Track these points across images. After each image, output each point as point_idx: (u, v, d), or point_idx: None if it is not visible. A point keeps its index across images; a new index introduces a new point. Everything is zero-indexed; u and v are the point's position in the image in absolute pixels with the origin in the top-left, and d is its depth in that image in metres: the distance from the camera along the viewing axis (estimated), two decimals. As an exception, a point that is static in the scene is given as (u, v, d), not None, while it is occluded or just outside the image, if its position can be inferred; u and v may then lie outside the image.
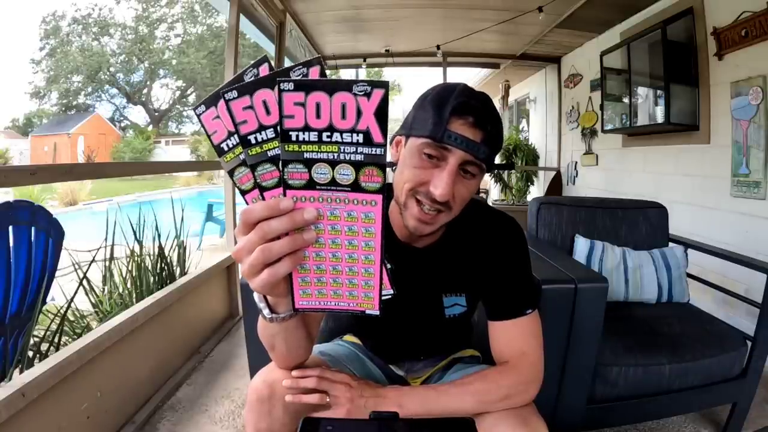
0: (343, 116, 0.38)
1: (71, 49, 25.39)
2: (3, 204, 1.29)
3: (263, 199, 0.43)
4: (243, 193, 0.44)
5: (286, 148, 0.39)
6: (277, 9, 3.08)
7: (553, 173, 4.72)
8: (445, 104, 0.64)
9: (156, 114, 28.30)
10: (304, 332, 0.66)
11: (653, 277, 1.53)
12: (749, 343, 1.30)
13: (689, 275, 1.61)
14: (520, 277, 0.78)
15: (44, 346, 1.43)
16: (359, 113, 0.38)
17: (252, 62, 0.43)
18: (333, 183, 0.41)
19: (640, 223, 1.66)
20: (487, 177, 5.52)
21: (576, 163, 4.30)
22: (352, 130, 0.39)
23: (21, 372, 1.15)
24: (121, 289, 1.94)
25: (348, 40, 4.30)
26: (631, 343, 1.25)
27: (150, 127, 27.26)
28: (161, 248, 2.05)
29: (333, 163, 0.40)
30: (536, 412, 0.71)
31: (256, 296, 0.56)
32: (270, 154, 0.42)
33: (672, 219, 1.72)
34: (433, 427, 0.74)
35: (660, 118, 2.72)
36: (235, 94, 0.40)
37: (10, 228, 1.26)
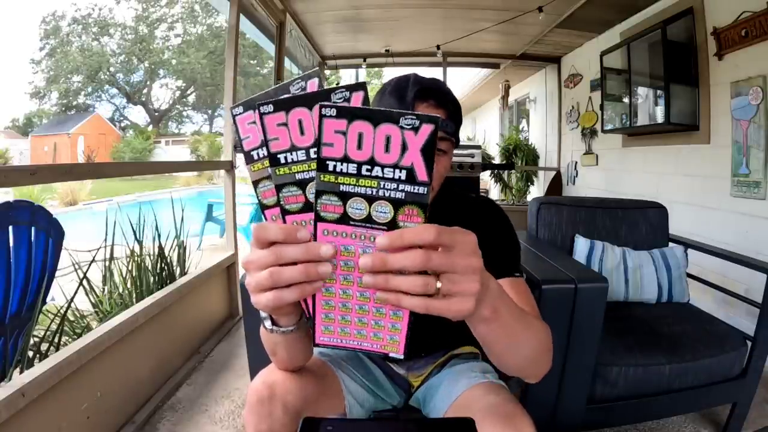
0: (387, 150, 0.35)
1: (71, 49, 25.40)
2: (3, 204, 1.29)
3: (284, 221, 0.41)
4: (263, 207, 0.43)
5: (322, 178, 0.36)
6: (277, 9, 3.08)
7: (553, 173, 4.72)
8: (405, 94, 0.69)
9: (156, 114, 28.30)
10: (306, 340, 0.66)
11: (653, 277, 1.53)
12: (749, 343, 1.31)
13: (689, 275, 1.61)
14: (506, 241, 0.79)
15: (44, 346, 1.43)
16: (404, 148, 0.35)
17: (302, 74, 0.41)
18: (368, 220, 0.37)
19: (640, 223, 1.67)
20: (487, 177, 5.52)
21: (576, 163, 4.30)
22: (395, 166, 0.36)
23: (21, 372, 1.15)
24: (121, 289, 1.94)
25: (348, 40, 4.30)
26: (631, 343, 1.25)
27: (150, 127, 27.27)
28: (161, 248, 2.05)
29: (371, 199, 0.37)
30: (522, 410, 0.70)
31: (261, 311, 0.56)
32: (298, 177, 0.40)
33: (672, 219, 1.72)
34: (433, 427, 0.74)
35: (660, 118, 2.72)
36: (270, 108, 0.38)
37: (10, 228, 1.26)
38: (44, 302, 1.39)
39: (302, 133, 0.39)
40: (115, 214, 2.05)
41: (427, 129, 0.35)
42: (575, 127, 4.25)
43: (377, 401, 0.90)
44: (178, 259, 2.17)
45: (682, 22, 2.54)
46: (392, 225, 0.37)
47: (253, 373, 1.02)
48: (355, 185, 0.36)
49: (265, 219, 0.43)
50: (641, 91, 2.99)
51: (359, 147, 0.35)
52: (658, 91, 2.75)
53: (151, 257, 2.02)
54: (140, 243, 2.02)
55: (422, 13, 3.45)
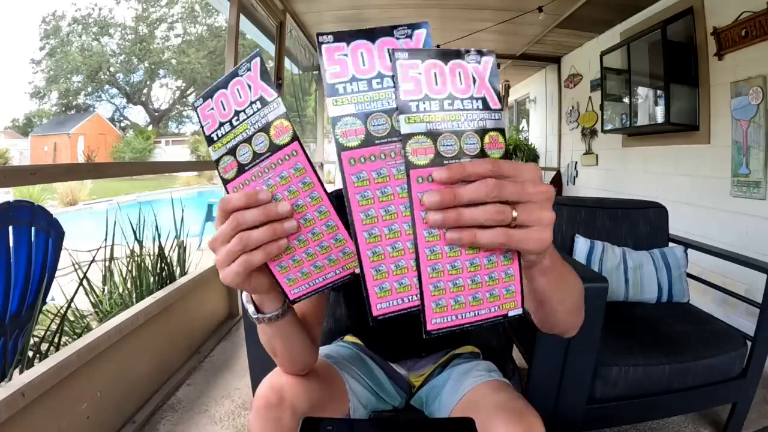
0: (461, 83, 0.36)
1: (71, 49, 25.41)
2: (3, 204, 1.29)
3: (226, 191, 0.44)
4: (225, 182, 0.45)
5: (407, 121, 0.35)
6: (277, 9, 3.09)
7: (553, 173, 4.72)
8: None
9: (156, 114, 28.30)
10: (302, 335, 0.66)
11: (653, 277, 1.53)
12: (749, 343, 1.30)
13: (689, 275, 1.61)
14: None
15: (44, 346, 1.43)
16: (474, 80, 0.37)
17: (247, 58, 0.44)
18: (460, 155, 0.36)
19: (640, 223, 1.67)
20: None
21: (576, 163, 4.30)
22: (471, 97, 0.37)
23: (21, 372, 1.15)
24: (121, 289, 1.94)
25: (348, 40, 4.31)
26: (631, 343, 1.25)
27: (150, 127, 27.27)
28: (161, 248, 2.05)
29: (459, 134, 0.36)
30: (530, 406, 0.70)
31: (243, 297, 0.56)
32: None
33: (672, 219, 1.72)
34: (433, 428, 0.74)
35: (660, 118, 2.72)
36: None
37: (10, 228, 1.26)
38: (44, 302, 1.39)
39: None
40: (115, 214, 2.05)
41: (488, 60, 0.37)
42: (575, 127, 4.25)
43: (379, 402, 0.90)
44: (178, 259, 2.17)
45: (682, 22, 2.54)
46: (482, 155, 0.36)
47: (253, 373, 1.02)
48: (441, 122, 0.36)
49: (227, 193, 0.45)
50: (641, 91, 2.99)
51: (436, 83, 0.36)
52: (658, 91, 2.75)
53: (151, 257, 2.02)
54: (140, 243, 2.02)
55: (422, 13, 3.45)
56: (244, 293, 0.55)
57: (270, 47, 3.37)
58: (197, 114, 0.45)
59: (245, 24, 2.83)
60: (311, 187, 0.42)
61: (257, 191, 0.42)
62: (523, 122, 6.68)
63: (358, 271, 0.40)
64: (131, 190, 11.92)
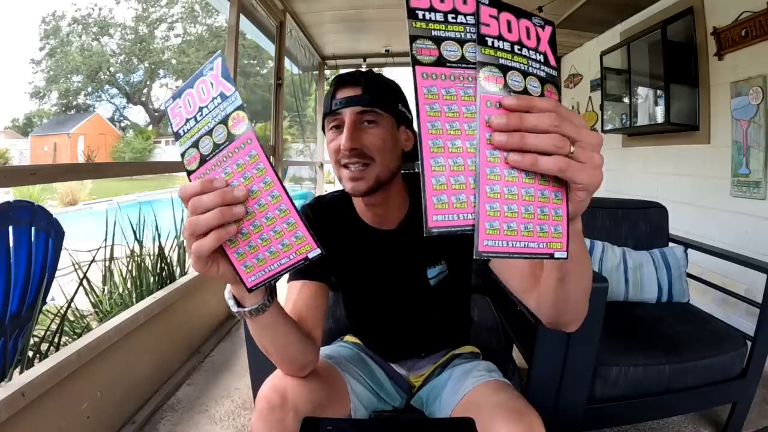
0: (528, 36, 0.41)
1: (71, 49, 25.41)
2: (3, 204, 1.29)
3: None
4: (189, 173, 0.48)
5: (483, 51, 0.39)
6: (277, 9, 3.09)
7: (553, 173, 4.72)
8: (330, 85, 0.77)
9: (156, 114, 28.30)
10: (294, 334, 0.65)
11: (653, 277, 1.53)
12: (749, 343, 1.30)
13: (689, 275, 1.61)
14: None
15: (44, 346, 1.43)
16: (538, 39, 0.42)
17: (211, 59, 0.47)
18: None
19: (640, 223, 1.66)
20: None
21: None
22: (536, 50, 0.41)
23: (21, 372, 1.15)
24: (121, 289, 1.94)
25: (348, 40, 4.31)
26: (631, 343, 1.25)
27: (150, 127, 27.27)
28: (161, 248, 2.05)
29: (524, 74, 0.40)
30: (531, 407, 0.71)
31: (225, 293, 0.58)
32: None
33: (672, 219, 1.72)
34: (432, 427, 0.74)
35: (660, 118, 2.72)
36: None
37: (10, 228, 1.26)
38: (44, 302, 1.39)
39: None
40: (115, 214, 2.06)
41: (548, 28, 0.42)
42: (575, 127, 4.25)
43: (379, 402, 0.90)
44: (178, 259, 2.17)
45: (682, 22, 2.54)
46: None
47: (254, 374, 1.02)
48: (511, 60, 0.40)
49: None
50: (641, 91, 2.99)
51: (509, 30, 0.40)
52: (658, 91, 2.75)
53: (151, 257, 2.02)
54: (140, 243, 2.02)
55: (422, 13, 3.45)
56: (226, 290, 0.57)
57: (270, 47, 3.37)
58: (167, 113, 0.49)
59: (245, 24, 2.83)
60: (264, 173, 0.45)
61: (213, 179, 0.45)
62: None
63: (311, 255, 0.45)
64: (131, 190, 11.92)
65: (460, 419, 0.71)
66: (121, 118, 28.29)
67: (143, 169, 2.33)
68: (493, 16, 0.40)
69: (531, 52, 0.41)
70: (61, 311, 1.52)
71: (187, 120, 0.48)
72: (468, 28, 0.40)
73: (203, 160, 0.47)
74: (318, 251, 0.46)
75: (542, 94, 0.40)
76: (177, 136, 0.48)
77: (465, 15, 0.40)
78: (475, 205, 0.38)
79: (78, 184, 9.72)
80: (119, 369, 1.41)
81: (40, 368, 1.08)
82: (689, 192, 2.62)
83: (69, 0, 26.56)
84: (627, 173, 3.40)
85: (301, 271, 0.78)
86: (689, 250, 1.62)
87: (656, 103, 2.80)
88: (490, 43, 0.39)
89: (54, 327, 1.48)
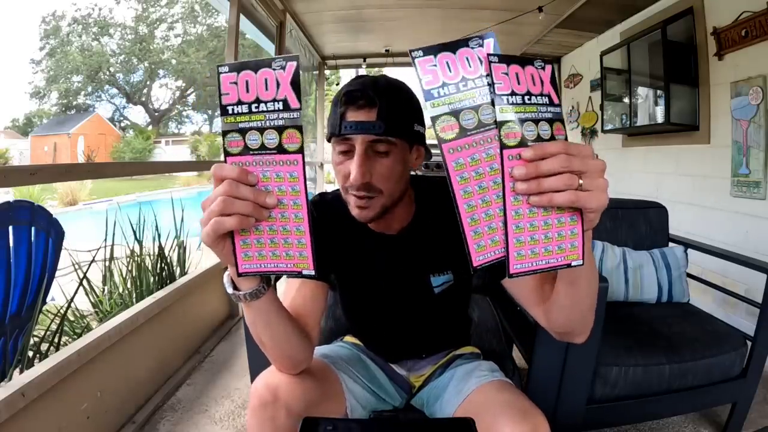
0: (534, 83, 0.45)
1: (71, 49, 25.41)
2: (3, 204, 1.29)
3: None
4: (227, 154, 0.49)
5: (501, 111, 0.44)
6: (277, 9, 3.09)
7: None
8: (339, 99, 0.69)
9: (156, 114, 28.31)
10: (288, 326, 0.66)
11: (653, 277, 1.53)
12: (749, 343, 1.30)
13: (689, 275, 1.61)
14: None
15: (44, 346, 1.43)
16: (542, 82, 0.46)
17: (284, 55, 0.48)
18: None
19: (640, 223, 1.66)
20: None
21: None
22: (541, 93, 0.46)
23: (21, 372, 1.15)
24: (121, 289, 1.94)
25: (348, 40, 4.30)
26: (631, 343, 1.25)
27: (150, 127, 27.27)
28: (161, 248, 2.05)
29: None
30: (535, 406, 0.71)
31: (225, 278, 0.59)
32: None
33: (672, 219, 1.72)
34: (433, 427, 0.74)
35: (660, 118, 2.72)
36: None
37: (10, 228, 1.26)
38: (44, 302, 1.39)
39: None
40: (115, 214, 2.06)
41: (548, 68, 0.46)
42: (575, 127, 4.25)
43: (378, 402, 0.90)
44: (178, 259, 2.17)
45: (682, 22, 2.54)
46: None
47: (254, 374, 1.02)
48: (524, 112, 0.45)
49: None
50: (641, 91, 2.99)
51: (518, 83, 0.45)
52: (658, 91, 2.75)
53: (151, 257, 2.02)
54: (140, 243, 2.02)
55: (421, 12, 3.45)
56: (225, 275, 0.59)
57: (270, 47, 3.37)
58: (218, 79, 0.47)
59: (245, 24, 2.83)
60: (298, 194, 0.48)
61: (249, 173, 0.48)
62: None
63: (305, 272, 0.49)
64: (131, 190, 11.91)
65: (460, 419, 0.71)
66: (121, 118, 28.30)
67: (143, 169, 2.33)
68: (504, 73, 0.44)
69: (538, 98, 0.45)
70: (61, 311, 1.52)
71: (240, 102, 0.47)
72: (478, 91, 0.45)
73: (246, 151, 0.48)
74: (312, 272, 0.50)
75: (552, 135, 0.45)
76: (224, 111, 0.47)
77: (473, 79, 0.45)
78: (506, 241, 0.45)
79: (78, 184, 9.72)
80: (119, 369, 1.41)
81: (40, 368, 1.08)
82: (689, 192, 2.62)
83: (69, 0, 26.58)
84: (627, 173, 3.41)
85: None
86: (689, 250, 1.62)
87: (656, 103, 2.80)
88: (505, 101, 0.44)
89: (54, 327, 1.48)
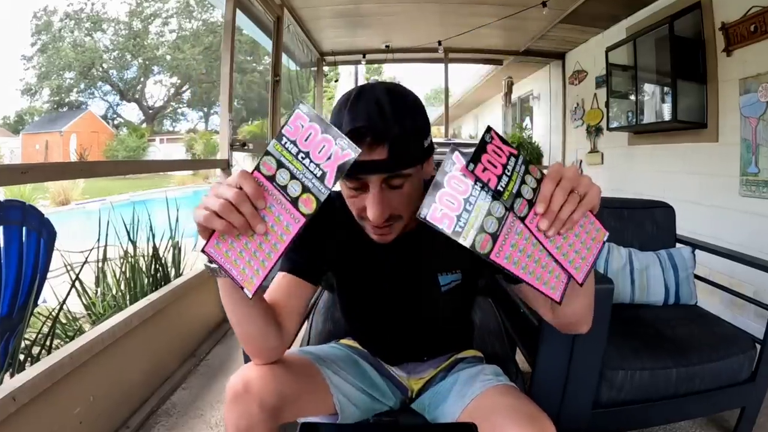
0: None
1: (63, 45, 25.40)
2: (-7, 203, 1.29)
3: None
4: (255, 169, 0.55)
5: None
6: (274, 4, 3.09)
7: (558, 172, 4.72)
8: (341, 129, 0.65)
9: (150, 111, 28.30)
10: (256, 306, 0.68)
11: (660, 279, 1.53)
12: (758, 346, 1.30)
13: (697, 276, 1.61)
14: None
15: (36, 350, 1.43)
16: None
17: (350, 142, 0.54)
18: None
19: (647, 224, 1.66)
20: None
21: (581, 161, 4.30)
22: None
23: (12, 376, 1.15)
24: (114, 291, 1.94)
25: (347, 35, 4.31)
26: (637, 346, 1.25)
27: (144, 125, 27.26)
28: (155, 249, 2.05)
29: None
30: (542, 411, 0.72)
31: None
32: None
33: (679, 219, 1.72)
34: (433, 433, 0.74)
35: (667, 115, 2.72)
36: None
37: (1, 228, 1.26)
38: (36, 304, 1.39)
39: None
40: (108, 214, 2.05)
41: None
42: (580, 124, 4.25)
43: (374, 402, 0.90)
44: (172, 260, 2.17)
45: (689, 17, 2.54)
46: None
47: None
48: (519, 184, 0.54)
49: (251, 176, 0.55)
50: (648, 87, 2.99)
51: (495, 166, 0.53)
52: (665, 88, 2.75)
53: (145, 258, 2.02)
54: (134, 244, 2.02)
55: (421, 7, 3.45)
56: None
57: (267, 43, 3.37)
58: (293, 111, 0.55)
59: (242, 19, 2.83)
60: (282, 241, 0.55)
61: (262, 199, 0.54)
62: (527, 119, 6.68)
63: (246, 290, 0.55)
64: (125, 190, 11.91)
65: (462, 424, 0.71)
66: (115, 116, 28.26)
67: (137, 168, 2.33)
68: (484, 169, 0.52)
69: (511, 163, 0.54)
70: (53, 313, 1.52)
71: (295, 144, 0.54)
72: (481, 199, 0.53)
73: (271, 179, 0.54)
74: (249, 294, 0.55)
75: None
76: (279, 137, 0.54)
77: (470, 195, 0.54)
78: (562, 268, 0.57)
79: (70, 183, 9.72)
80: (112, 372, 1.41)
81: (31, 372, 1.08)
82: (697, 191, 2.62)
83: (61, -6, 26.57)
84: (633, 172, 3.41)
85: (293, 265, 0.79)
86: (697, 251, 1.62)
87: (663, 100, 2.80)
88: (501, 188, 0.53)
89: (46, 330, 1.48)
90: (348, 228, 0.80)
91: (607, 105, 3.56)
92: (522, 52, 4.57)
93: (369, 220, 0.69)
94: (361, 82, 6.10)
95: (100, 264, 1.93)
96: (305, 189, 0.54)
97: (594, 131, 4.00)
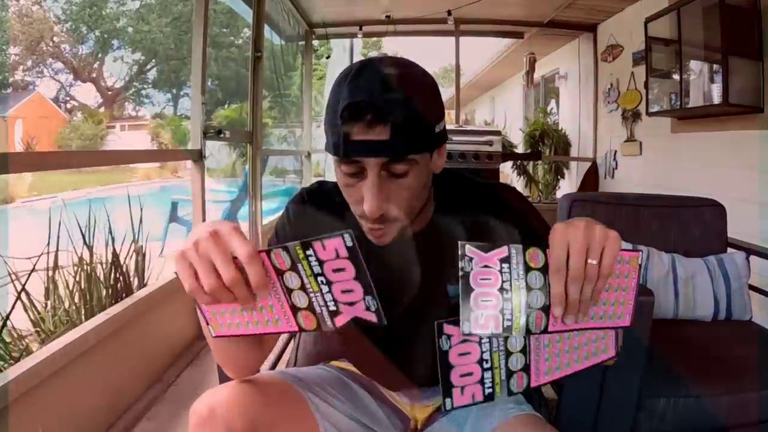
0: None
1: (6, 16, 25.44)
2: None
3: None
4: (268, 254, 0.55)
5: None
6: (255, -34, 3.09)
7: (588, 164, 4.73)
8: (337, 110, 0.64)
9: (109, 93, 28.33)
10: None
11: (708, 290, 1.53)
12: (824, 370, 1.30)
13: (751, 287, 1.61)
14: (540, 231, 0.75)
15: (-26, 373, 1.43)
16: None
17: (374, 296, 0.56)
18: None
19: (693, 225, 1.67)
20: (508, 169, 5.53)
21: (615, 152, 4.30)
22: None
23: (-54, 404, 1.15)
24: (67, 304, 1.94)
25: (340, 3, 4.31)
26: (681, 370, 1.25)
27: (102, 109, 27.30)
28: (116, 255, 2.05)
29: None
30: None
31: None
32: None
33: (731, 220, 1.72)
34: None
35: (716, 97, 2.72)
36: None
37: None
38: (-26, 320, 1.39)
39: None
40: (60, 214, 2.05)
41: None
42: (614, 108, 4.25)
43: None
44: (135, 267, 2.17)
45: (743, -18, 2.54)
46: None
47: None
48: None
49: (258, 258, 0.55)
50: (694, 65, 2.99)
51: (490, 279, 0.55)
52: (715, 66, 2.75)
53: (104, 266, 2.02)
54: (90, 248, 2.02)
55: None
56: None
57: (247, 12, 3.38)
58: (336, 236, 0.54)
59: (217, -15, 2.83)
60: (277, 326, 0.58)
61: (265, 290, 0.54)
62: (552, 103, 6.69)
63: (210, 330, 0.60)
64: (80, 185, 11.93)
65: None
66: (68, 98, 28.28)
67: (94, 160, 2.33)
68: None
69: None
70: (-5, 331, 1.52)
71: (320, 263, 0.54)
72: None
73: (279, 274, 0.55)
74: (212, 333, 0.60)
75: (543, 266, 0.54)
76: (306, 246, 0.54)
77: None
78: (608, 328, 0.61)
79: (15, 178, 9.73)
80: (65, 400, 1.41)
81: (-31, 399, 1.08)
82: (752, 187, 2.62)
83: (5, -44, 26.62)
84: (676, 164, 3.41)
85: None
86: (752, 257, 1.62)
87: (712, 80, 2.80)
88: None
89: (-14, 350, 1.48)
90: (347, 226, 0.80)
91: (646, 86, 3.56)
92: (546, 23, 4.58)
93: (367, 219, 0.69)
94: (357, 59, 6.12)
95: (51, 272, 1.94)
96: (311, 309, 0.56)
97: (631, 116, 4.00)
